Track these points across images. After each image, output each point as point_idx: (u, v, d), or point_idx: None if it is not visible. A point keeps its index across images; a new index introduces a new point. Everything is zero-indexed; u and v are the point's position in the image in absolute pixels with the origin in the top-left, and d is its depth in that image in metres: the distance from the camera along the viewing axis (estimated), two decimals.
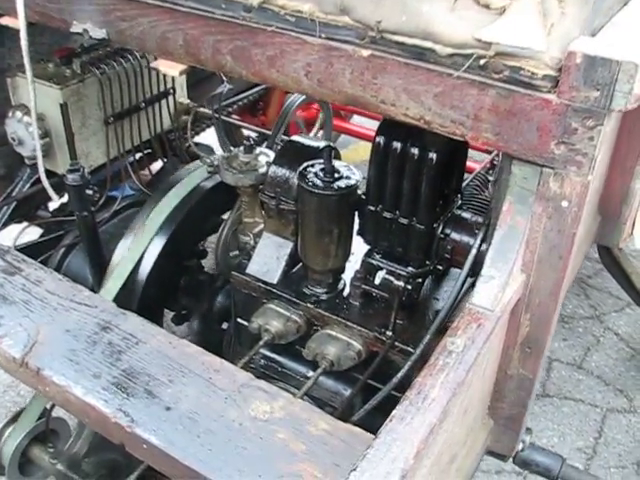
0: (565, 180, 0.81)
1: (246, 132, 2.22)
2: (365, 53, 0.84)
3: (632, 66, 0.71)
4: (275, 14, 0.89)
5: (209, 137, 2.22)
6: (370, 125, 3.06)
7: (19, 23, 1.26)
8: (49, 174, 1.82)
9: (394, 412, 0.72)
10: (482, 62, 0.78)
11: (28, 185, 1.89)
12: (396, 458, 0.66)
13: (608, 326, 2.96)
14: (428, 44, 0.80)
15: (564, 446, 2.40)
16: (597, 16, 0.85)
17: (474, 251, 1.00)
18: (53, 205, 2.02)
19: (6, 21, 1.30)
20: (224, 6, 0.92)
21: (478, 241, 1.03)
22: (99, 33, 1.10)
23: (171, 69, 1.05)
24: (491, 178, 1.66)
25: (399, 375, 1.00)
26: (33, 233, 1.95)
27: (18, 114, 1.68)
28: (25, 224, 1.93)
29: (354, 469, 0.67)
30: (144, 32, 1.03)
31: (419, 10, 0.80)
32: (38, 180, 1.90)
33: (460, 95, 0.81)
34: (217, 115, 1.64)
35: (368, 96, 0.88)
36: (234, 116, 2.29)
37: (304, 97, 1.76)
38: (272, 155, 1.49)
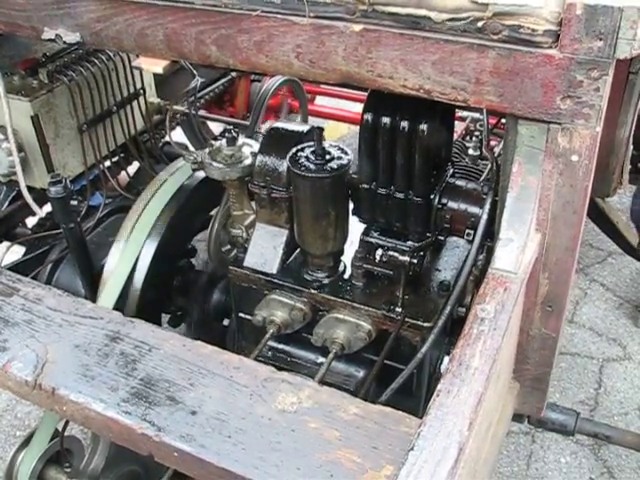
0: (573, 134, 0.80)
1: (213, 125, 2.19)
2: (357, 28, 0.82)
3: (635, 11, 0.70)
4: None
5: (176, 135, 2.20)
6: (334, 104, 3.06)
7: None
8: (27, 189, 1.79)
9: (440, 386, 0.71)
10: (480, 24, 0.76)
11: (5, 204, 1.85)
12: (451, 432, 0.65)
13: (593, 278, 3.00)
14: (422, 12, 0.79)
15: (566, 400, 2.44)
16: None
17: (485, 216, 0.99)
18: (31, 221, 1.99)
19: None
20: None
21: (488, 204, 1.02)
22: (73, 37, 1.06)
23: (154, 66, 1.02)
24: (469, 145, 1.66)
25: (423, 350, 0.99)
26: (12, 252, 1.91)
27: None
28: (6, 244, 1.89)
29: (411, 448, 0.66)
30: (121, 31, 1.00)
31: None
32: (14, 198, 1.87)
33: (459, 60, 0.80)
34: (194, 111, 1.61)
35: (364, 71, 0.86)
36: (202, 111, 2.26)
37: (278, 83, 1.75)
38: (255, 145, 1.47)
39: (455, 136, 1.66)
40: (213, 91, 2.36)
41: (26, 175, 1.71)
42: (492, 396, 0.83)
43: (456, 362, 0.73)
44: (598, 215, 2.12)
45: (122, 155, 1.96)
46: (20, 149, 1.67)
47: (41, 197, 1.81)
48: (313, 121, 3.25)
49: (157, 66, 1.02)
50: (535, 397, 1.10)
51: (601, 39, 0.72)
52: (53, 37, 1.08)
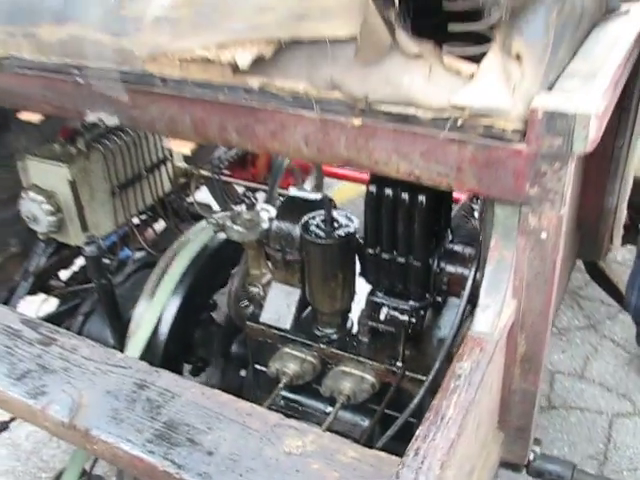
0: (542, 215, 0.93)
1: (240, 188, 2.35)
2: (357, 122, 0.97)
3: (586, 117, 0.83)
4: (273, 95, 1.02)
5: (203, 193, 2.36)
6: (350, 168, 3.18)
7: (31, 116, 1.40)
8: (62, 246, 1.94)
9: (418, 432, 0.83)
10: (459, 122, 0.90)
11: (43, 259, 2.01)
12: (425, 472, 0.77)
13: (604, 334, 3.07)
14: (411, 110, 0.93)
15: (575, 454, 2.49)
16: (552, 70, 0.98)
17: (469, 282, 1.12)
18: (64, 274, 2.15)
19: (24, 116, 1.42)
20: (227, 91, 1.05)
21: (472, 273, 1.15)
22: (112, 120, 1.22)
23: (182, 148, 1.17)
24: (476, 207, 1.79)
25: (415, 401, 1.11)
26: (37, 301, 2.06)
27: (31, 194, 1.79)
28: (43, 296, 2.04)
29: None
30: (154, 117, 1.16)
31: (400, 82, 0.93)
32: (52, 254, 2.03)
33: (443, 152, 0.94)
34: (217, 177, 1.76)
35: (363, 158, 1.00)
36: (225, 171, 2.42)
37: None
38: (272, 210, 1.61)
39: (464, 198, 1.79)
40: (236, 153, 2.52)
41: (62, 233, 1.86)
42: (471, 443, 0.94)
43: (433, 412, 0.85)
44: (599, 276, 2.23)
45: (150, 214, 2.12)
46: (58, 210, 1.82)
47: (75, 252, 1.97)
48: (328, 182, 3.41)
49: (185, 148, 1.17)
50: (519, 446, 1.21)
51: (560, 138, 0.86)
52: (96, 120, 1.23)
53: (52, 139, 1.88)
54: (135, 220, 2.05)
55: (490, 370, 0.93)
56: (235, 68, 1.01)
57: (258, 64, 0.99)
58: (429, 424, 0.83)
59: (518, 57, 0.90)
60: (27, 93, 1.34)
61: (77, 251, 2.03)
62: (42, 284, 2.07)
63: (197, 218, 2.13)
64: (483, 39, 0.95)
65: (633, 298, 1.46)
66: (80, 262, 2.16)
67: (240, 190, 2.54)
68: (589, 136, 0.84)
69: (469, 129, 0.91)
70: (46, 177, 1.80)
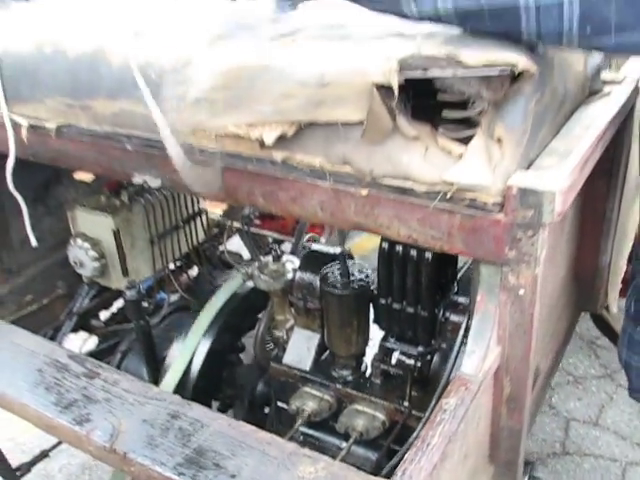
0: (520, 274, 1.08)
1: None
2: (364, 192, 1.14)
3: (552, 194, 1.00)
4: (294, 167, 1.20)
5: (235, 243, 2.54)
6: None
7: (84, 176, 1.59)
8: (104, 289, 2.13)
9: (406, 456, 0.98)
10: (449, 195, 1.07)
11: (86, 300, 2.19)
12: None
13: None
14: (409, 184, 1.10)
15: None
16: (532, 149, 1.14)
17: (461, 331, 1.27)
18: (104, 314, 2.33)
19: (79, 175, 1.62)
20: (255, 162, 1.23)
21: (464, 323, 1.30)
22: (155, 182, 1.41)
23: (216, 208, 1.35)
24: None
25: (414, 435, 1.25)
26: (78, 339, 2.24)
27: (79, 241, 1.99)
28: (85, 335, 2.23)
29: None
30: (192, 181, 1.34)
31: (400, 160, 1.10)
32: (95, 296, 2.21)
33: (436, 219, 1.10)
34: (247, 229, 1.94)
35: (369, 223, 1.17)
36: (256, 221, 2.60)
37: None
38: (296, 262, 1.78)
39: None
40: None
41: (105, 277, 2.05)
42: (458, 471, 1.08)
43: (420, 440, 0.99)
44: (603, 326, 2.35)
45: (185, 261, 2.30)
46: (102, 256, 2.01)
47: (115, 295, 2.16)
48: (350, 233, 3.57)
49: (218, 208, 1.34)
50: (508, 478, 1.34)
51: (531, 210, 1.02)
52: (140, 181, 1.42)
53: (98, 192, 2.08)
54: (171, 266, 2.23)
55: (475, 407, 1.08)
56: (262, 143, 1.19)
57: (281, 141, 1.18)
58: (416, 450, 0.98)
59: (499, 140, 1.07)
60: (82, 156, 1.54)
61: (117, 294, 2.22)
62: (84, 323, 2.26)
63: (228, 266, 2.31)
64: (472, 123, 1.12)
65: (623, 354, 1.58)
66: (118, 304, 2.35)
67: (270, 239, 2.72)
68: (555, 209, 1.00)
69: (457, 201, 1.07)
70: (92, 226, 1.99)
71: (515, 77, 1.08)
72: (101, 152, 1.48)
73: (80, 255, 1.99)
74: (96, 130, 1.47)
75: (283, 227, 2.83)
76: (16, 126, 1.57)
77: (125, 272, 2.02)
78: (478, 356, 1.12)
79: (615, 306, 1.84)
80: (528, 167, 1.12)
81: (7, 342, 1.59)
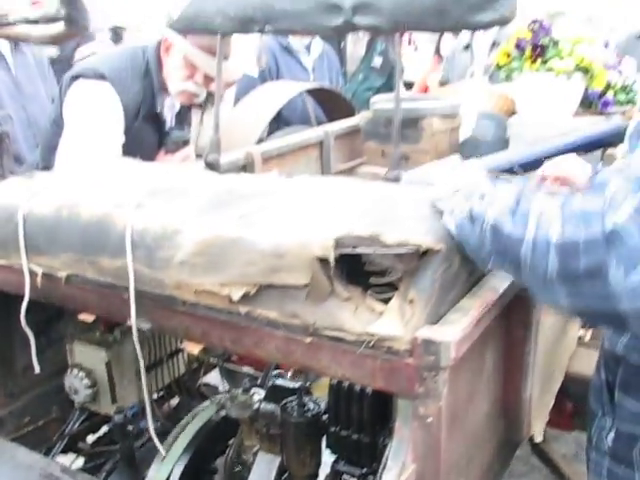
0: (427, 406, 1.38)
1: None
2: (308, 340, 1.46)
3: (446, 344, 1.32)
4: (255, 318, 1.53)
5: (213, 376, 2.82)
6: None
7: (87, 317, 1.91)
8: (93, 414, 2.39)
9: None
10: (371, 344, 1.39)
11: (77, 424, 2.45)
12: None
13: None
14: (342, 334, 1.43)
15: None
16: (442, 307, 1.48)
17: (387, 452, 1.56)
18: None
19: (82, 316, 1.93)
20: (225, 314, 1.56)
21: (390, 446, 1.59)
22: (146, 326, 1.72)
23: (195, 348, 1.66)
24: None
25: None
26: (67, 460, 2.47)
27: (75, 371, 2.27)
28: (72, 456, 2.47)
29: None
30: (175, 326, 1.66)
31: (336, 315, 1.43)
32: (85, 420, 2.47)
33: (363, 362, 1.42)
34: (221, 365, 2.24)
35: (314, 364, 1.49)
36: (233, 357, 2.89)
37: None
38: (263, 394, 2.07)
39: None
40: None
41: (95, 403, 2.31)
42: None
43: None
44: (539, 454, 2.61)
45: (167, 391, 2.58)
46: (94, 384, 2.28)
47: (103, 420, 2.42)
48: None
49: (196, 349, 1.66)
50: None
51: (432, 356, 1.34)
52: (134, 324, 1.74)
53: (94, 328, 2.38)
54: (155, 395, 2.50)
55: None
56: (230, 299, 1.52)
57: (246, 298, 1.52)
58: None
59: (411, 301, 1.41)
60: (86, 301, 1.87)
61: (105, 419, 2.47)
62: (73, 445, 2.50)
63: (205, 397, 2.58)
64: (394, 287, 1.46)
65: None
66: (105, 428, 2.59)
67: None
68: (450, 356, 1.33)
69: (378, 348, 1.40)
70: (87, 358, 2.27)
71: (424, 253, 1.43)
72: (102, 298, 1.81)
73: (75, 383, 2.27)
74: (100, 280, 1.80)
75: (257, 363, 3.12)
76: (32, 273, 1.90)
77: (114, 399, 2.29)
78: (394, 473, 1.40)
79: (540, 436, 2.12)
80: (437, 321, 1.45)
81: (7, 457, 1.85)
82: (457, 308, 1.52)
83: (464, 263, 1.59)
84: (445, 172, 1.66)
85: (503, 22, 1.99)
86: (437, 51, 7.01)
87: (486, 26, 2.05)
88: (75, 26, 1.99)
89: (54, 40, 2.20)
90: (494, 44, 5.19)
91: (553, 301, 1.40)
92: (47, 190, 1.97)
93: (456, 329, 1.39)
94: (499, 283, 1.65)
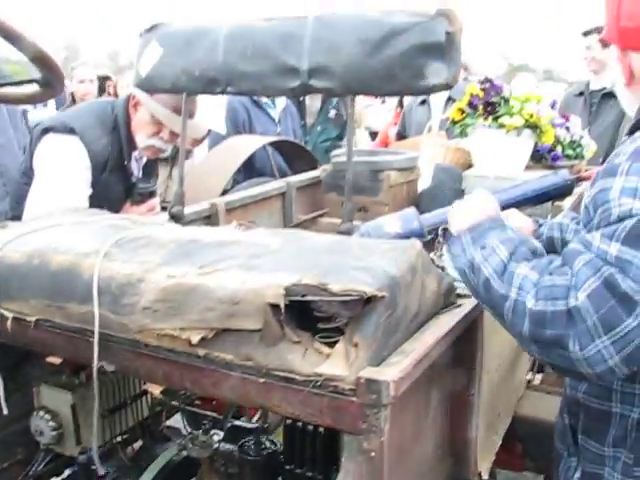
0: (370, 441, 1.50)
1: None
2: (261, 380, 1.58)
3: (386, 383, 1.45)
4: (212, 360, 1.64)
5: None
6: None
7: (54, 359, 2.01)
8: (59, 455, 2.47)
9: None
10: (319, 383, 1.51)
11: (42, 466, 2.52)
12: None
13: None
14: (292, 375, 1.55)
15: None
16: (385, 350, 1.61)
17: None
18: None
19: (50, 359, 2.03)
20: (185, 356, 1.67)
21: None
22: (110, 367, 1.83)
23: (156, 389, 1.77)
24: None
25: None
26: None
27: (40, 413, 2.35)
28: None
29: None
30: (138, 368, 1.77)
31: (287, 358, 1.55)
32: (49, 461, 2.54)
33: (312, 400, 1.54)
34: (183, 408, 2.34)
35: (266, 402, 1.61)
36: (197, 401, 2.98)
37: None
38: (222, 434, 2.18)
39: None
40: None
41: (61, 444, 2.39)
42: None
43: None
44: None
45: (131, 433, 2.66)
46: (60, 427, 2.36)
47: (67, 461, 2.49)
48: None
49: (157, 389, 1.76)
50: None
51: (374, 394, 1.46)
52: (99, 366, 1.84)
53: (61, 371, 2.47)
54: (119, 438, 2.58)
55: None
56: (190, 342, 1.64)
57: (204, 341, 1.64)
58: None
59: (356, 345, 1.54)
60: (54, 344, 1.97)
61: (69, 460, 2.54)
62: None
63: (168, 439, 2.67)
64: (341, 331, 1.59)
65: None
66: (68, 471, 2.66)
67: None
68: (390, 394, 1.46)
69: (325, 387, 1.52)
70: (53, 400, 2.36)
71: (368, 300, 1.57)
72: (69, 342, 1.91)
73: (41, 425, 2.35)
74: (67, 325, 1.90)
75: (218, 407, 3.21)
76: (3, 318, 2.00)
77: (79, 441, 2.37)
78: None
79: (486, 474, 2.24)
80: (380, 363, 1.58)
81: None
82: (399, 351, 1.65)
83: (406, 310, 1.72)
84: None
85: (446, 88, 2.19)
86: (400, 104, 7.28)
87: (429, 91, 2.25)
88: (51, 89, 2.12)
89: (30, 100, 2.33)
90: (449, 99, 5.43)
91: (528, 351, 1.71)
92: (19, 239, 2.08)
93: (396, 370, 1.52)
94: (439, 329, 1.79)
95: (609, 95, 5.65)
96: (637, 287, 1.49)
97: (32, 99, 2.31)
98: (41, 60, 1.95)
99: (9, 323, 1.99)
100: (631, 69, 1.86)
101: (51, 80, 2.04)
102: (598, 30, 5.62)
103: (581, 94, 6.03)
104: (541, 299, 1.55)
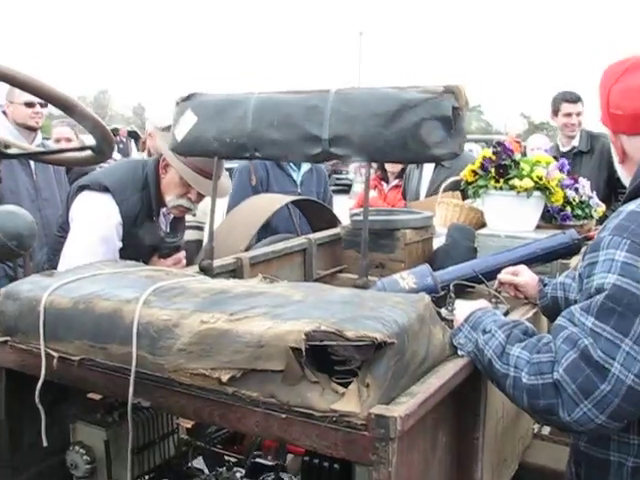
0: (379, 471, 1.68)
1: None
2: (283, 416, 1.78)
3: (394, 418, 1.64)
4: (240, 397, 1.84)
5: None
6: None
7: (95, 396, 2.21)
8: None
9: None
10: (334, 419, 1.70)
11: None
12: None
13: None
14: (311, 411, 1.74)
15: None
16: (394, 391, 1.80)
17: None
18: None
19: (91, 395, 2.23)
20: (215, 393, 1.87)
21: None
22: (146, 403, 2.03)
23: (187, 423, 1.96)
24: None
25: None
26: None
27: (76, 447, 2.54)
28: None
29: None
30: (171, 405, 1.97)
31: (306, 396, 1.75)
32: None
33: (328, 434, 1.73)
34: (209, 448, 2.53)
35: (287, 436, 1.80)
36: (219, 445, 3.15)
37: None
38: (243, 472, 2.35)
39: None
40: (227, 431, 3.27)
41: (93, 478, 2.57)
42: None
43: None
44: None
45: (158, 471, 2.83)
46: (93, 461, 2.55)
47: None
48: None
49: (188, 424, 1.95)
50: None
51: (383, 429, 1.65)
52: (136, 402, 2.04)
53: (95, 409, 2.66)
54: (146, 477, 2.76)
55: None
56: (220, 381, 1.84)
57: (232, 380, 1.84)
58: None
59: (368, 385, 1.73)
60: (95, 382, 2.17)
61: None
62: None
63: (191, 479, 2.83)
64: (354, 373, 1.78)
65: None
66: None
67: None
68: (397, 429, 1.64)
69: (339, 422, 1.71)
70: (88, 436, 2.55)
71: (379, 346, 1.76)
72: (110, 380, 2.12)
73: (76, 459, 2.53)
74: (108, 364, 2.11)
75: (240, 451, 3.38)
76: (49, 357, 2.21)
77: (110, 475, 2.55)
78: None
79: None
80: (389, 402, 1.77)
81: None
82: (407, 393, 1.85)
83: (414, 356, 1.92)
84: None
85: (452, 157, 2.42)
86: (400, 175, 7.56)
87: (438, 160, 2.49)
88: (102, 155, 2.38)
89: (82, 164, 2.60)
90: (437, 165, 5.70)
91: (533, 418, 2.11)
92: (65, 286, 2.31)
93: (403, 408, 1.71)
94: (444, 374, 1.98)
95: (579, 154, 6.37)
96: (605, 357, 1.74)
97: (86, 163, 2.58)
98: (99, 131, 2.21)
99: (55, 362, 2.20)
100: (623, 149, 2.10)
101: (104, 148, 2.30)
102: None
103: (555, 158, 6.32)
104: (532, 375, 1.83)
